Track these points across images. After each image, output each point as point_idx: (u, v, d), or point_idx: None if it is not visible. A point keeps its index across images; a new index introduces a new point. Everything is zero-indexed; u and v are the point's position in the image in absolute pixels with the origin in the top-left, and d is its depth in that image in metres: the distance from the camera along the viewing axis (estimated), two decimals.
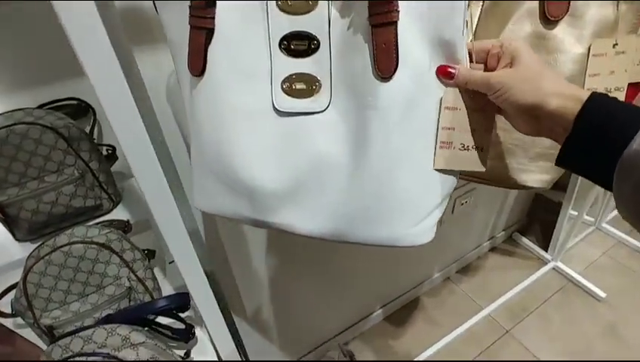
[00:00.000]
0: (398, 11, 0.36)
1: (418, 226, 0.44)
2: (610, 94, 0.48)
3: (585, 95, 0.35)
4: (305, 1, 0.39)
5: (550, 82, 0.37)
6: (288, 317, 1.21)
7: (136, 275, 0.58)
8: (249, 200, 0.45)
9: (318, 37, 0.40)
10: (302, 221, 0.45)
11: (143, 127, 0.39)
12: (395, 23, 0.36)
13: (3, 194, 0.53)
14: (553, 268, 1.71)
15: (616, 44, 0.48)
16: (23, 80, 0.59)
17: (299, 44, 0.41)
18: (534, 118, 0.39)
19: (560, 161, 0.38)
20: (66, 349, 0.45)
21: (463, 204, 1.41)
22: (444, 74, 0.40)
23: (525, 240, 1.84)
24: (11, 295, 0.56)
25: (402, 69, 0.38)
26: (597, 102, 0.34)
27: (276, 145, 0.43)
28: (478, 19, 0.49)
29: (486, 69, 0.41)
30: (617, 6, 0.46)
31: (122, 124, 0.38)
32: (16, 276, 0.56)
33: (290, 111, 0.42)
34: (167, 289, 0.67)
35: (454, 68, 0.40)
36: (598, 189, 1.51)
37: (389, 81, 0.38)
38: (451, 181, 0.45)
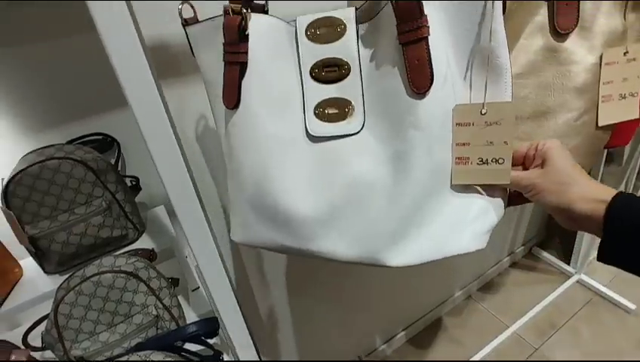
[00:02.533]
0: (428, 26, 0.37)
1: (466, 232, 0.43)
2: (625, 100, 0.48)
3: (609, 196, 0.37)
4: (333, 29, 0.41)
5: (578, 187, 0.39)
6: (310, 343, 1.19)
7: (162, 303, 0.59)
8: (288, 230, 0.44)
9: (348, 62, 0.42)
10: (342, 247, 0.44)
11: (181, 156, 0.40)
12: (426, 39, 0.37)
13: (35, 227, 0.55)
14: (578, 282, 1.66)
15: (627, 52, 0.49)
16: (52, 118, 0.62)
17: (329, 71, 0.42)
18: (568, 218, 0.40)
19: (601, 259, 0.39)
20: None
21: None
22: None
23: (546, 254, 1.80)
24: (40, 328, 0.57)
25: (437, 82, 0.38)
26: (621, 203, 0.36)
27: (312, 172, 0.43)
28: None
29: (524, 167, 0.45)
30: (625, 16, 0.47)
31: (162, 154, 0.39)
32: (43, 309, 0.57)
33: (324, 135, 0.43)
34: (190, 317, 0.67)
35: None
36: None
37: (425, 97, 0.38)
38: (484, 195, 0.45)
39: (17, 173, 0.52)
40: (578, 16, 0.45)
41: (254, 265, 0.94)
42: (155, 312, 0.57)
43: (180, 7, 0.44)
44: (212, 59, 0.45)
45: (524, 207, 1.62)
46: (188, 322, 0.65)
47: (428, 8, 0.37)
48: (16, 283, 0.60)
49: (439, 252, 0.42)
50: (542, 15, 0.46)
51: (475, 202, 0.43)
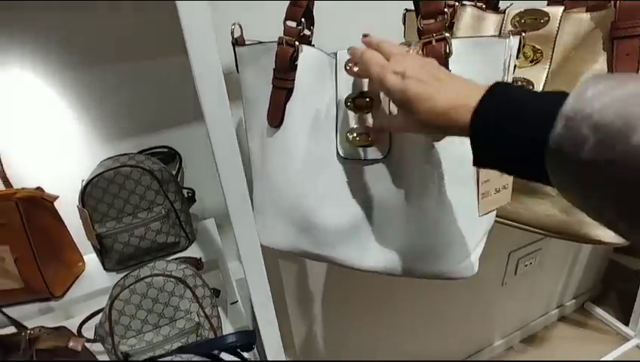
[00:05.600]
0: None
1: (466, 261, 0.48)
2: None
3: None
4: None
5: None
6: None
7: (204, 312, 0.62)
8: (312, 237, 0.50)
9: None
10: (359, 257, 0.49)
11: (243, 171, 0.44)
12: None
13: (103, 226, 0.61)
14: (638, 347, 1.50)
15: None
16: (127, 130, 0.69)
17: (361, 101, 0.46)
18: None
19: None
20: None
21: (527, 265, 1.33)
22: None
23: (600, 311, 1.65)
24: (93, 321, 0.62)
25: None
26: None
27: (339, 189, 0.48)
28: (545, 82, 0.51)
29: None
30: None
31: (227, 167, 0.44)
32: (99, 303, 0.62)
33: (352, 158, 0.48)
34: (226, 329, 0.69)
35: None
36: None
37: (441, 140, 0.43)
38: (490, 218, 0.50)
39: (95, 176, 0.59)
40: (638, 68, 0.45)
41: (293, 284, 0.95)
42: (197, 319, 0.60)
43: (232, 27, 0.49)
44: (254, 79, 0.51)
45: (578, 256, 1.51)
46: (224, 334, 0.68)
47: (454, 62, 0.41)
48: (79, 276, 0.66)
49: (442, 273, 0.48)
50: (600, 63, 0.46)
51: (475, 234, 0.48)
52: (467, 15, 0.55)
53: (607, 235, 0.53)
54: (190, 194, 0.74)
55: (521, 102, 0.30)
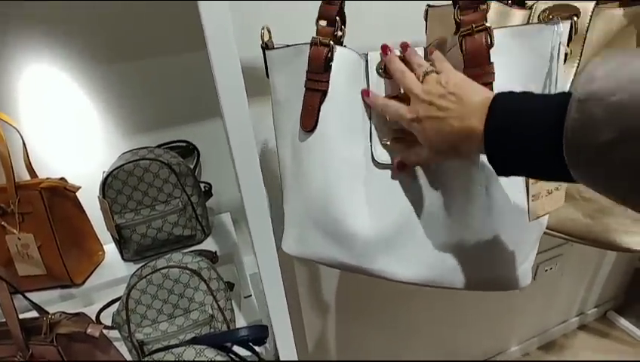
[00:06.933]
0: (494, 73, 0.38)
1: (519, 270, 0.45)
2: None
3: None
4: None
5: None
6: None
7: (218, 304, 0.62)
8: (349, 248, 0.47)
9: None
10: (400, 268, 0.46)
11: (259, 166, 0.45)
12: (491, 84, 0.38)
13: (122, 217, 0.62)
14: None
15: None
16: (148, 123, 0.71)
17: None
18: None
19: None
20: None
21: (547, 270, 1.29)
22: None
23: (624, 322, 1.59)
24: (111, 309, 0.64)
25: None
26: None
27: (376, 195, 0.46)
28: (573, 81, 0.49)
29: None
30: None
31: (243, 162, 0.44)
32: (117, 292, 0.64)
33: (388, 163, 0.46)
34: (239, 323, 0.70)
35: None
36: None
37: None
38: (542, 224, 0.46)
39: (115, 169, 0.60)
40: None
41: (307, 281, 0.95)
42: (210, 312, 0.61)
43: (262, 30, 0.48)
44: (285, 82, 0.49)
45: (601, 264, 1.46)
46: (237, 327, 0.68)
47: (496, 53, 0.38)
48: (99, 264, 0.67)
49: (495, 284, 0.45)
50: None
51: (526, 240, 0.45)
52: (492, 11, 0.53)
53: (634, 242, 0.51)
54: (207, 188, 0.75)
55: (526, 106, 0.31)
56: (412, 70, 0.42)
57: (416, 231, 0.45)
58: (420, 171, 0.45)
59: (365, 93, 0.45)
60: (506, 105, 0.33)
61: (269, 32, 0.49)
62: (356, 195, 0.46)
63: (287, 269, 0.91)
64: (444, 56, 0.42)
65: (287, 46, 0.48)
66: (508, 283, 0.45)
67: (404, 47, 0.43)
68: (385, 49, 0.44)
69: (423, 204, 0.44)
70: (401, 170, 0.45)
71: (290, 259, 0.91)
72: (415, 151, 0.42)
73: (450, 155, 0.39)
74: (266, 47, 0.49)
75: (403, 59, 0.43)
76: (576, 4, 0.48)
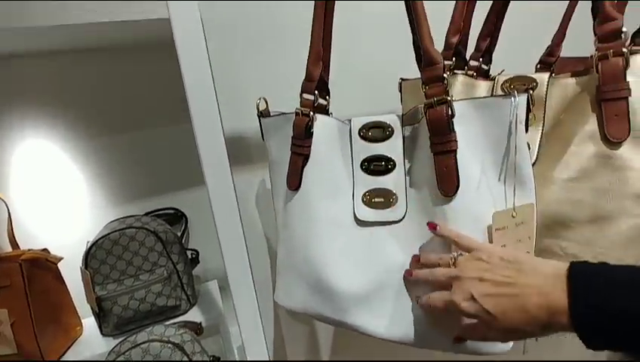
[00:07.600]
0: (456, 141, 0.41)
1: None
2: None
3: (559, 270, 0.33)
4: (381, 131, 0.48)
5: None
6: None
7: None
8: (329, 301, 0.48)
9: (394, 158, 0.47)
10: (375, 324, 0.46)
11: (242, 234, 0.45)
12: (455, 151, 0.41)
13: (103, 289, 0.60)
14: None
15: None
16: (135, 192, 0.72)
17: (377, 165, 0.48)
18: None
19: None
20: None
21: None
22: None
23: None
24: None
25: (464, 188, 0.41)
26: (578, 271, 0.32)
27: (356, 251, 0.47)
28: (539, 144, 0.52)
29: None
30: None
31: (226, 229, 0.44)
32: None
33: (369, 220, 0.48)
34: None
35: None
36: None
37: (452, 200, 0.42)
38: None
39: (101, 238, 0.60)
40: (629, 127, 0.45)
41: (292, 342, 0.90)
42: None
43: (258, 101, 0.53)
44: (277, 146, 0.53)
45: None
46: None
47: (460, 123, 0.41)
48: (76, 340, 0.64)
49: (472, 348, 0.44)
50: (591, 124, 0.47)
51: None
52: (458, 83, 0.58)
53: None
54: (194, 256, 0.74)
55: (610, 277, 0.30)
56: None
57: (394, 288, 0.45)
58: (397, 229, 0.46)
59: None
60: (586, 274, 0.31)
61: (266, 102, 0.54)
62: (336, 250, 0.48)
63: (276, 340, 0.86)
64: (418, 123, 0.45)
65: (279, 115, 0.52)
66: (484, 349, 0.44)
67: (416, 260, 0.45)
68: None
69: (402, 262, 0.45)
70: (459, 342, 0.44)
71: (280, 333, 0.87)
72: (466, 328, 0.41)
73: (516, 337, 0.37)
74: (262, 115, 0.53)
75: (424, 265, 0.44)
76: (533, 75, 0.54)
